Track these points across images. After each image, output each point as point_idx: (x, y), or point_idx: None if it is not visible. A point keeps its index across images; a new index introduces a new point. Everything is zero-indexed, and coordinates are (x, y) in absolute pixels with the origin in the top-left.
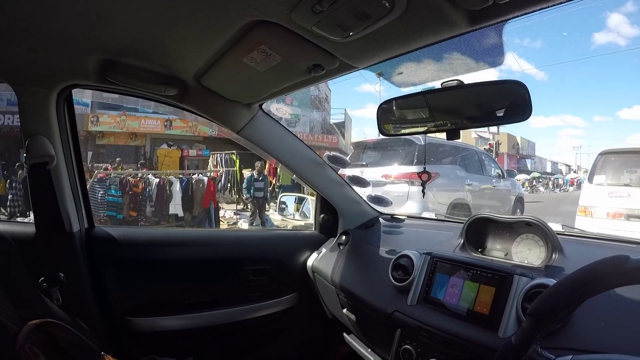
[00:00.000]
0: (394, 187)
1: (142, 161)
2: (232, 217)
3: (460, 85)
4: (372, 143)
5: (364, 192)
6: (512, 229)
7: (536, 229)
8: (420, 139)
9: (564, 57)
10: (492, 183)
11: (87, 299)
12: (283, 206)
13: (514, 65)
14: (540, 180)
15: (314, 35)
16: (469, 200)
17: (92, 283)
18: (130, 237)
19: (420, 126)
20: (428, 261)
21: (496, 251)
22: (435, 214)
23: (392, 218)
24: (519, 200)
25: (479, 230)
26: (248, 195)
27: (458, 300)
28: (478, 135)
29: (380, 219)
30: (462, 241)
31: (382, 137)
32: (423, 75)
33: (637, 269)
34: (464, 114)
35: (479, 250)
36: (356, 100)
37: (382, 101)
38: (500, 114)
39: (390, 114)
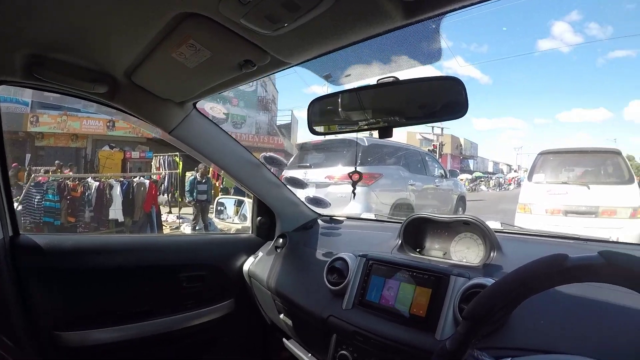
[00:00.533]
0: (337, 188)
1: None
2: (174, 221)
3: (395, 81)
4: (315, 144)
5: (304, 194)
6: (450, 228)
7: (474, 228)
8: (364, 140)
9: (509, 61)
10: (435, 183)
11: (11, 313)
12: (221, 209)
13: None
14: (482, 179)
15: (243, 29)
16: (412, 199)
17: (16, 295)
18: (59, 245)
19: (352, 124)
20: (363, 263)
21: (435, 251)
22: (375, 215)
23: (331, 219)
24: (461, 199)
25: (417, 231)
26: (191, 199)
27: (394, 303)
28: (423, 136)
29: (319, 221)
30: (400, 242)
31: (326, 138)
32: (360, 72)
33: (575, 267)
34: (399, 111)
35: (417, 250)
36: (304, 102)
37: (313, 98)
38: (436, 111)
39: (321, 112)
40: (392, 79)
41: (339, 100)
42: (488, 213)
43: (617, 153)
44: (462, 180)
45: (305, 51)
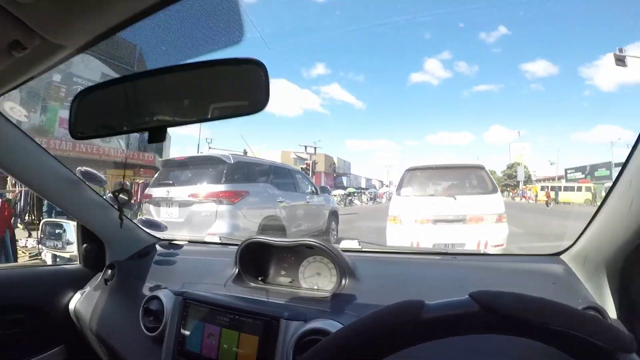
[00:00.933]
0: (201, 207)
1: None
2: (35, 247)
3: (173, 68)
4: (180, 161)
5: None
6: (296, 252)
7: (322, 252)
8: (229, 157)
9: (383, 90)
10: (306, 199)
11: None
12: (45, 235)
13: (337, 95)
14: (356, 194)
15: None
16: (282, 216)
17: None
18: None
19: (118, 124)
20: (180, 303)
21: (282, 277)
22: (220, 237)
23: (170, 244)
24: (333, 214)
25: (259, 255)
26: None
27: (217, 354)
28: (297, 155)
29: (157, 246)
30: (237, 270)
31: (191, 154)
32: (160, 58)
33: (435, 320)
34: (180, 105)
35: (260, 278)
36: None
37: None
38: (228, 103)
39: (87, 110)
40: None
41: (108, 93)
42: (361, 222)
43: (481, 167)
44: (335, 196)
45: (80, 29)
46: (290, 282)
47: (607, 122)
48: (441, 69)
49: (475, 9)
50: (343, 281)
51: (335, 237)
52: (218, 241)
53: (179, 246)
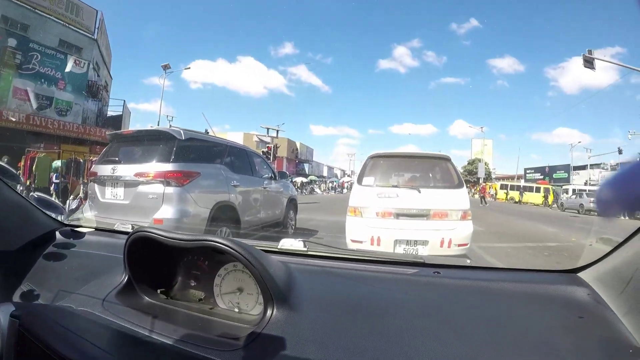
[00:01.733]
0: (148, 188)
1: None
2: None
3: None
4: (128, 135)
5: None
6: (210, 256)
7: (240, 261)
8: (180, 132)
9: (351, 75)
10: (263, 184)
11: None
12: None
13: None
14: (317, 182)
15: None
16: (236, 201)
17: None
18: None
19: None
20: (14, 331)
21: (191, 290)
22: (132, 225)
23: (72, 232)
24: (292, 202)
25: (161, 255)
26: None
27: None
28: (259, 138)
29: (57, 233)
30: (126, 278)
31: (139, 127)
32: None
33: None
34: None
35: (161, 290)
36: (142, 93)
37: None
38: None
39: None
40: None
41: None
42: (322, 212)
43: (447, 159)
44: (296, 183)
45: None
46: (201, 299)
47: (568, 124)
48: (409, 57)
49: None
50: (269, 310)
51: (292, 228)
52: (128, 229)
53: (82, 234)
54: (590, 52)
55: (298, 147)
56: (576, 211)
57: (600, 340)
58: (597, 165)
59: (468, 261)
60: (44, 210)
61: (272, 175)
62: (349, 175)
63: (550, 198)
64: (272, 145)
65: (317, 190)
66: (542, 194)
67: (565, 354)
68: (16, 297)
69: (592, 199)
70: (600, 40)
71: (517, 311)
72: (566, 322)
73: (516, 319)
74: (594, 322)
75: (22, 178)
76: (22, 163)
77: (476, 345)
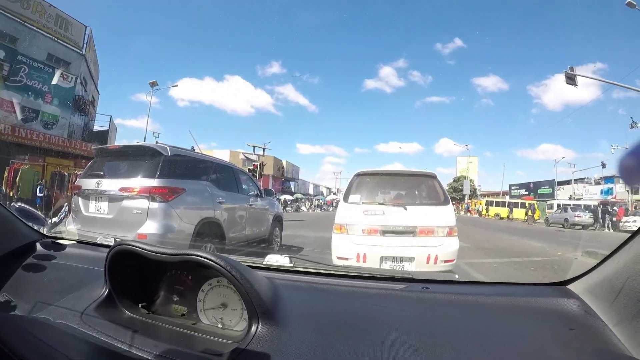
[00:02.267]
0: (133, 203)
1: None
2: None
3: None
4: (113, 150)
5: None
6: (194, 271)
7: (225, 275)
8: (166, 149)
9: (337, 95)
10: (249, 202)
11: None
12: None
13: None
14: (303, 200)
15: None
16: (221, 218)
17: None
18: None
19: None
20: None
21: (174, 305)
22: (115, 238)
23: (53, 244)
24: (277, 219)
25: (143, 269)
26: None
27: None
28: (245, 156)
29: (38, 245)
30: (106, 291)
31: (125, 143)
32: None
33: None
34: None
35: (142, 305)
36: (128, 110)
37: None
38: None
39: None
40: None
41: None
42: (307, 229)
43: (433, 177)
44: (281, 199)
45: None
46: (184, 314)
47: (552, 141)
48: (395, 77)
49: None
50: (254, 326)
51: (278, 244)
52: (109, 243)
53: (63, 247)
54: (572, 69)
55: (284, 165)
56: (561, 225)
57: (592, 351)
58: (581, 180)
59: (456, 276)
60: (25, 221)
61: (258, 193)
62: (334, 193)
63: (537, 214)
64: (259, 163)
65: (303, 207)
66: (527, 209)
67: None
68: None
69: (576, 213)
70: (582, 57)
71: (508, 324)
72: (557, 335)
73: (507, 333)
74: (585, 334)
75: (4, 189)
76: (6, 174)
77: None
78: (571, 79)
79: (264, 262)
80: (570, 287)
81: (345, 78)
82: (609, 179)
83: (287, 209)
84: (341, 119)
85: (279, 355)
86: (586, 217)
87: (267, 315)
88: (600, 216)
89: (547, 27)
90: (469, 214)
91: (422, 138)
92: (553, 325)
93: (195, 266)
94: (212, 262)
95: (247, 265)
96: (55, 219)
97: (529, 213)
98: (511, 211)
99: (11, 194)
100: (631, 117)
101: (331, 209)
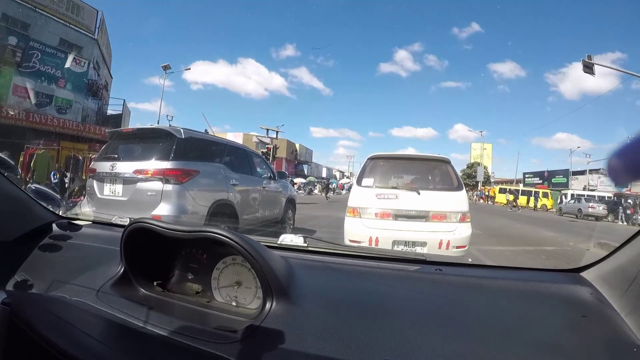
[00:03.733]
0: (147, 185)
1: None
2: None
3: None
4: (127, 133)
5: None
6: (208, 248)
7: (239, 252)
8: (180, 131)
9: (352, 78)
10: (262, 184)
11: None
12: None
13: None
14: (316, 184)
15: None
16: (235, 200)
17: None
18: None
19: None
20: (4, 317)
21: (188, 283)
22: (130, 218)
23: (69, 224)
24: (290, 202)
25: (158, 247)
26: None
27: None
28: (259, 139)
29: (54, 225)
30: (122, 269)
31: (139, 126)
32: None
33: None
34: None
35: (157, 283)
36: (142, 93)
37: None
38: None
39: None
40: None
41: None
42: (320, 212)
43: (447, 162)
44: (296, 183)
45: None
46: (198, 292)
47: (567, 130)
48: (411, 61)
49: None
50: (268, 304)
51: (291, 227)
52: (123, 222)
53: (78, 227)
54: (589, 57)
55: (297, 149)
56: (574, 216)
57: (603, 340)
58: (596, 171)
59: (470, 260)
60: (41, 203)
61: (271, 175)
62: (347, 177)
63: (550, 202)
64: (272, 146)
65: (316, 191)
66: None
67: (569, 352)
68: (9, 287)
69: (590, 204)
70: (601, 45)
71: (521, 309)
72: (569, 321)
73: (519, 317)
74: (597, 321)
75: (20, 172)
76: (21, 159)
77: (480, 342)
78: (589, 68)
79: (279, 242)
80: (583, 274)
81: (360, 61)
82: None
83: (299, 191)
84: (355, 103)
85: (293, 333)
86: (600, 209)
87: (281, 293)
88: (614, 208)
89: (567, 14)
90: (481, 201)
91: (437, 123)
92: (566, 312)
93: (210, 244)
94: (228, 239)
95: (262, 244)
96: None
97: (511, 198)
98: (536, 200)
99: (27, 178)
100: None
101: (343, 192)
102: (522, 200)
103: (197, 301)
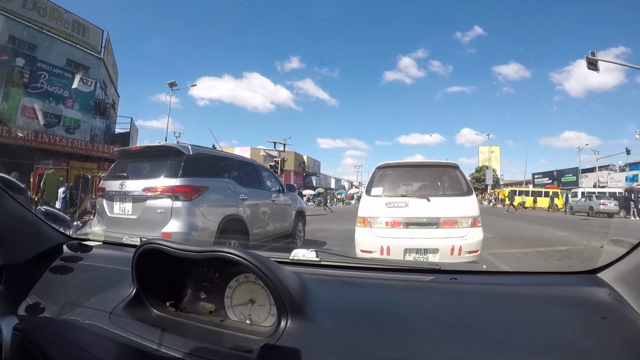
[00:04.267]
0: (156, 202)
1: None
2: None
3: None
4: (135, 151)
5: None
6: (220, 267)
7: (253, 271)
8: (188, 148)
9: (357, 88)
10: (271, 197)
11: None
12: None
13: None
14: (326, 195)
15: None
16: (244, 215)
17: None
18: None
19: None
20: (16, 343)
21: (201, 303)
22: (141, 238)
23: (80, 245)
24: (300, 214)
25: (170, 267)
26: None
27: None
28: (266, 152)
29: (65, 247)
30: (134, 290)
31: (147, 143)
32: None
33: None
34: None
35: (170, 303)
36: (149, 111)
37: None
38: None
39: None
40: None
41: None
42: (330, 223)
43: (455, 167)
44: (305, 195)
45: None
46: (212, 312)
47: (575, 128)
48: (415, 68)
49: (450, 6)
50: (283, 322)
51: (301, 239)
52: (135, 242)
53: (89, 248)
54: (593, 53)
55: (305, 161)
56: (586, 214)
57: (625, 341)
58: (606, 167)
59: (484, 266)
60: (51, 224)
61: (280, 189)
62: (356, 187)
63: (561, 201)
64: (280, 159)
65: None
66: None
67: (592, 356)
68: (21, 311)
69: (601, 201)
70: (605, 41)
71: (539, 314)
72: (589, 324)
73: (538, 323)
74: (618, 323)
75: (30, 193)
76: (31, 179)
77: (501, 351)
78: (593, 64)
79: (291, 257)
80: (600, 275)
81: (364, 70)
82: (634, 166)
83: (308, 203)
84: (361, 112)
85: (310, 351)
86: (611, 205)
87: (296, 310)
88: (626, 204)
89: (568, 12)
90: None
91: (444, 129)
92: (584, 315)
93: (222, 263)
94: (239, 258)
95: (274, 261)
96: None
97: (501, 197)
98: (552, 201)
99: (36, 199)
100: None
101: (352, 202)
102: (529, 200)
103: (211, 320)
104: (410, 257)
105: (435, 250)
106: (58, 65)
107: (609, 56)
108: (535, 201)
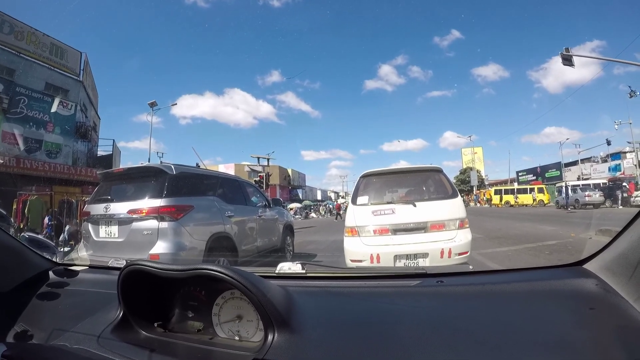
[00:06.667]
0: (142, 224)
1: None
2: None
3: None
4: (118, 173)
5: None
6: (205, 285)
7: (236, 287)
8: (171, 168)
9: (339, 98)
10: (258, 213)
11: None
12: None
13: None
14: (312, 207)
15: None
16: (232, 232)
17: None
18: None
19: None
20: None
21: (189, 322)
22: (126, 260)
23: (66, 271)
24: (288, 228)
25: (156, 287)
26: None
27: None
28: (250, 168)
29: (51, 273)
30: (121, 313)
31: (130, 165)
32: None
33: None
34: None
35: (158, 324)
36: (131, 132)
37: None
38: None
39: None
40: None
41: None
42: (319, 235)
43: (438, 170)
44: (292, 209)
45: None
46: (200, 330)
47: (555, 123)
48: (395, 75)
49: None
50: (270, 336)
51: (291, 253)
52: (120, 265)
53: (75, 273)
54: (567, 50)
55: (290, 174)
56: (572, 207)
57: (615, 329)
58: (588, 160)
59: (470, 267)
60: (36, 251)
61: (267, 203)
62: (342, 197)
63: (546, 197)
64: (264, 174)
65: (313, 214)
66: (535, 194)
67: (582, 348)
68: (9, 338)
69: (586, 193)
70: (579, 36)
71: (527, 311)
72: (578, 315)
73: (527, 319)
74: (606, 312)
75: (13, 221)
76: (15, 206)
77: (492, 350)
78: (568, 60)
79: (276, 271)
80: (587, 266)
81: (345, 81)
82: (615, 156)
83: (295, 216)
84: (344, 122)
85: None
86: (596, 196)
87: (282, 323)
88: (611, 193)
89: (542, 10)
90: (479, 204)
91: (426, 134)
92: (573, 307)
93: (208, 281)
94: (222, 275)
95: (260, 275)
96: (65, 248)
97: (487, 197)
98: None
99: (22, 226)
100: (629, 86)
101: (340, 212)
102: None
103: (200, 339)
104: (400, 263)
105: (425, 255)
106: (37, 89)
107: (585, 51)
108: (516, 198)
